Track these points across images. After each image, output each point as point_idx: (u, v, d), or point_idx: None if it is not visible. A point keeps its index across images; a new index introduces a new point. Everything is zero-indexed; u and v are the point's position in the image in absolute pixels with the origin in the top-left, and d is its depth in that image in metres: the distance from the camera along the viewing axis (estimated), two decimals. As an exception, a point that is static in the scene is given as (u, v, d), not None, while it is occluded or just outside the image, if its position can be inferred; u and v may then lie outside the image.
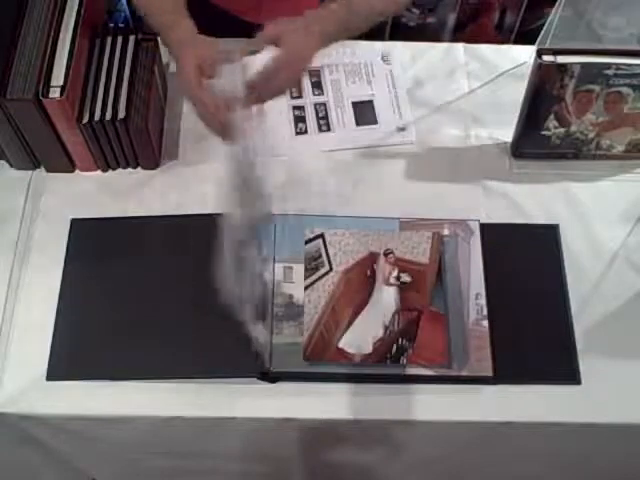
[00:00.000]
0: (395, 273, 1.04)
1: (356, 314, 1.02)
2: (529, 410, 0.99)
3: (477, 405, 0.99)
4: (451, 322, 1.01)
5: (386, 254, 1.06)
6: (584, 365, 1.01)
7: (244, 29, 1.17)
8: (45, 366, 1.00)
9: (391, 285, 1.04)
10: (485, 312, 1.02)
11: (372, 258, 1.06)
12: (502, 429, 1.00)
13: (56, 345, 1.01)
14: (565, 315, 1.05)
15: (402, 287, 1.04)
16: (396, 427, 1.02)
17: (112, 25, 1.16)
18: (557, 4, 1.19)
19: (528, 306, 1.05)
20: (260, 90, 0.90)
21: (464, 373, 0.98)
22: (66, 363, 1.00)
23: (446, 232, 1.07)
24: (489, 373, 1.00)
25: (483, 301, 1.03)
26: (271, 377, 0.99)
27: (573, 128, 1.12)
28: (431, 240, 1.06)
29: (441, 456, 1.12)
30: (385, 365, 0.99)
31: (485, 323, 1.02)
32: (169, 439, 1.06)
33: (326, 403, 0.99)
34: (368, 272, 1.05)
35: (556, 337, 1.04)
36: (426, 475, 1.20)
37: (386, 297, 1.03)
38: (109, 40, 1.12)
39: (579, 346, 1.03)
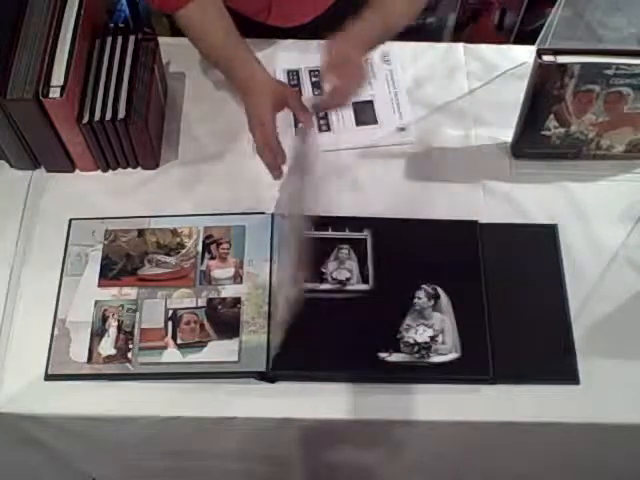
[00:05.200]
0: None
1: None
2: (528, 410, 0.99)
3: (476, 405, 0.99)
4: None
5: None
6: (583, 365, 1.01)
7: (254, 30, 1.18)
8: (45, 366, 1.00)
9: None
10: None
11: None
12: (502, 429, 1.00)
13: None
14: (564, 315, 1.05)
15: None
16: (396, 427, 1.02)
17: (112, 25, 1.16)
18: (557, 4, 1.19)
19: (527, 306, 1.06)
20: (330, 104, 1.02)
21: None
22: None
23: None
24: (488, 373, 1.00)
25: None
26: (270, 377, 0.99)
27: (573, 128, 1.13)
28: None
29: (441, 456, 1.12)
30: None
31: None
32: (169, 439, 1.06)
33: (326, 403, 0.99)
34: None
35: (555, 337, 1.04)
36: (426, 475, 1.20)
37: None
38: (109, 40, 1.12)
39: (578, 346, 1.03)
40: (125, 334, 1.02)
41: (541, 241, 1.11)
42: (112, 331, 1.03)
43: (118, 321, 1.03)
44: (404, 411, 0.99)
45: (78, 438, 1.05)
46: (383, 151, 1.19)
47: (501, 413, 0.99)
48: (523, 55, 1.27)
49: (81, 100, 1.07)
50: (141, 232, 1.09)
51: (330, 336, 1.02)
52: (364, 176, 1.17)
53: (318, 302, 1.04)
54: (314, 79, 1.27)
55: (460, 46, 1.32)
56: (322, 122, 1.22)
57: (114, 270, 1.06)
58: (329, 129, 1.22)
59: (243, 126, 1.21)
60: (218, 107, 1.23)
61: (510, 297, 1.06)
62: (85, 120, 1.06)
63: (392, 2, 1.04)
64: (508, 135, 1.18)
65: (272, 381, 0.99)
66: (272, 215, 1.09)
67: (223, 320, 1.03)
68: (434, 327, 1.02)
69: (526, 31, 2.00)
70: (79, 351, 1.01)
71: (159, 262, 1.07)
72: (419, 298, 1.04)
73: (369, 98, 1.25)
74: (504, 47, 1.33)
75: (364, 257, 1.07)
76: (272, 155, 0.99)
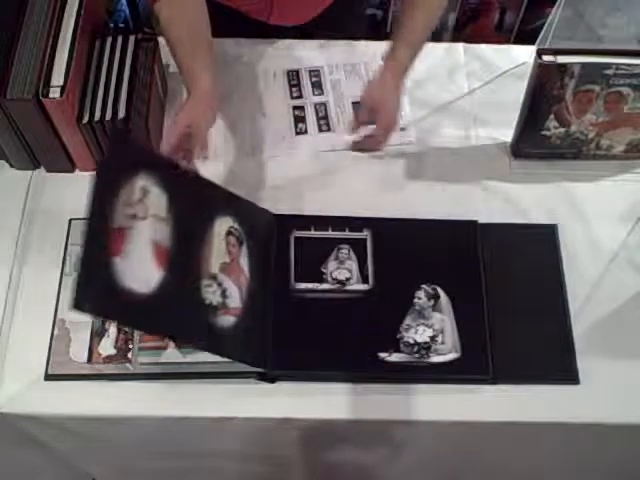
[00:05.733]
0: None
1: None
2: (528, 410, 0.99)
3: (476, 405, 0.99)
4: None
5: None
6: (583, 365, 1.01)
7: (255, 29, 1.18)
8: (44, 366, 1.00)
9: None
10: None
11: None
12: (501, 429, 1.00)
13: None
14: (564, 315, 1.05)
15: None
16: (396, 427, 1.02)
17: (112, 25, 1.16)
18: (557, 4, 1.19)
19: (527, 306, 1.05)
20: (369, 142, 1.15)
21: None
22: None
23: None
24: (488, 373, 1.00)
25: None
26: (270, 377, 0.99)
27: (573, 128, 1.12)
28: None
29: (441, 456, 1.12)
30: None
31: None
32: (169, 439, 1.06)
33: (326, 403, 0.99)
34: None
35: (555, 337, 1.04)
36: (426, 475, 1.20)
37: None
38: (109, 40, 1.12)
39: (578, 346, 1.03)
40: (125, 334, 1.02)
41: (541, 241, 1.11)
42: (112, 331, 1.03)
43: (118, 321, 1.03)
44: (404, 411, 0.99)
45: (78, 438, 1.05)
46: (383, 151, 1.19)
47: (501, 413, 0.99)
48: (523, 55, 1.27)
49: (81, 100, 1.07)
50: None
51: (330, 336, 1.02)
52: (364, 176, 1.17)
53: (318, 302, 1.04)
54: (314, 79, 1.27)
55: (460, 46, 1.32)
56: (322, 122, 1.22)
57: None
58: (329, 129, 1.22)
59: (243, 126, 1.22)
60: (218, 107, 1.22)
61: (510, 297, 1.06)
62: (85, 120, 1.06)
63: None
64: (508, 135, 1.18)
65: (272, 381, 0.99)
66: (273, 215, 1.09)
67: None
68: (434, 327, 1.02)
69: (526, 31, 2.00)
70: (79, 351, 1.01)
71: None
72: (419, 298, 1.04)
73: (369, 98, 1.25)
74: (504, 47, 1.33)
75: (364, 257, 1.07)
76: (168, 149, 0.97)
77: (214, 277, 0.96)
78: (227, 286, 0.98)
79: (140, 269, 0.89)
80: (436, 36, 1.12)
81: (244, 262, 1.02)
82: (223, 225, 1.01)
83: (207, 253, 0.97)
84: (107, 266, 0.86)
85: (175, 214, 0.94)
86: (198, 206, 0.98)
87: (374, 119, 1.12)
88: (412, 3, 1.10)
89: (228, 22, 1.15)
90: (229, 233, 1.01)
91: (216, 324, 0.94)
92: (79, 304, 0.80)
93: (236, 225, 1.02)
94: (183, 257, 0.94)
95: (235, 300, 0.98)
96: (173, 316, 0.90)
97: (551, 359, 1.02)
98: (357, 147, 1.18)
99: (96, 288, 0.84)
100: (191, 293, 0.93)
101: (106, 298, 0.85)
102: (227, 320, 0.96)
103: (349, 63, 1.28)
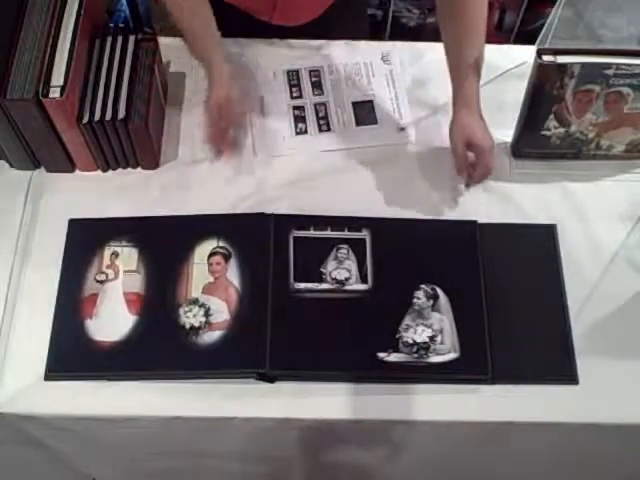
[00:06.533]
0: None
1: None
2: (527, 410, 0.99)
3: (475, 405, 0.99)
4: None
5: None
6: (582, 365, 1.02)
7: (256, 28, 1.18)
8: (44, 366, 1.00)
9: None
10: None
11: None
12: (501, 429, 1.00)
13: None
14: (563, 315, 1.05)
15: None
16: (395, 427, 1.02)
17: (112, 25, 1.16)
18: (557, 4, 1.20)
19: (526, 306, 1.05)
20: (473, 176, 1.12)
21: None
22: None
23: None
24: (487, 373, 1.00)
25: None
26: (270, 377, 0.99)
27: (573, 128, 1.12)
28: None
29: (441, 456, 1.12)
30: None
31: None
32: (169, 439, 1.06)
33: (325, 403, 0.99)
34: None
35: (554, 337, 1.04)
36: (426, 475, 1.20)
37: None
38: (109, 40, 1.12)
39: (577, 346, 1.03)
40: (125, 334, 1.04)
41: (541, 241, 1.11)
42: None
43: (118, 321, 1.05)
44: (403, 411, 0.99)
45: (78, 438, 1.05)
46: (383, 151, 1.19)
47: (500, 413, 0.99)
48: (523, 55, 1.26)
49: (81, 100, 1.07)
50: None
51: (329, 336, 1.02)
52: (364, 176, 1.17)
53: (317, 302, 1.04)
54: (314, 79, 1.27)
55: (460, 46, 1.31)
56: (322, 122, 1.22)
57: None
58: (329, 129, 1.22)
59: (243, 126, 1.22)
60: (218, 107, 1.23)
61: (509, 297, 1.06)
62: (85, 120, 1.06)
63: (473, 12, 1.07)
64: (508, 135, 1.18)
65: (271, 381, 0.99)
66: (272, 215, 1.09)
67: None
68: (433, 327, 1.02)
69: (526, 31, 1.99)
70: (79, 351, 1.03)
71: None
72: (418, 298, 1.04)
73: (369, 98, 1.25)
74: (504, 47, 1.32)
75: (363, 257, 1.07)
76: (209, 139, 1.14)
77: (195, 301, 1.03)
78: (211, 304, 1.03)
79: (112, 322, 1.02)
80: (436, 36, 1.12)
81: (233, 274, 1.05)
82: (205, 249, 1.07)
83: (185, 283, 1.04)
84: (78, 328, 1.01)
85: (147, 262, 1.06)
86: (173, 244, 1.07)
87: (473, 157, 1.10)
88: (458, 25, 1.08)
89: (229, 20, 1.15)
90: (213, 254, 1.06)
91: (198, 343, 1.00)
92: (52, 375, 0.98)
93: (221, 243, 1.07)
94: (157, 296, 1.03)
95: (222, 314, 1.02)
96: (148, 352, 1.00)
97: (550, 359, 1.02)
98: (471, 183, 1.14)
99: (68, 352, 1.00)
100: (168, 324, 1.01)
101: (78, 355, 1.00)
102: (211, 335, 1.01)
103: (349, 63, 1.28)
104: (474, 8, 1.07)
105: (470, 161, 1.11)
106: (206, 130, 1.13)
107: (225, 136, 1.15)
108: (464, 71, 1.07)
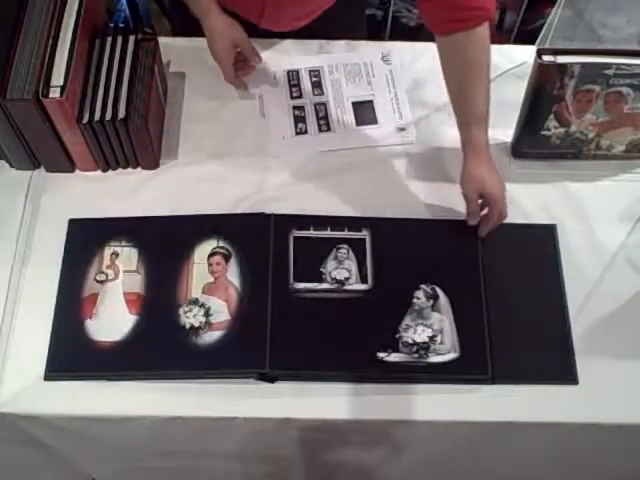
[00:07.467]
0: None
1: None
2: (527, 410, 0.99)
3: (475, 405, 0.99)
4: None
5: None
6: (582, 365, 1.02)
7: (247, 30, 1.18)
8: (44, 366, 1.00)
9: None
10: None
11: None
12: (500, 429, 1.00)
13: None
14: (563, 315, 1.05)
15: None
16: (395, 427, 1.02)
17: (112, 25, 1.16)
18: (557, 4, 1.20)
19: (526, 306, 1.06)
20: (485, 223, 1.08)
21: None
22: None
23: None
24: (487, 373, 1.00)
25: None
26: (270, 377, 0.99)
27: (573, 128, 1.12)
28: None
29: (441, 456, 1.12)
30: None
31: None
32: (169, 439, 1.06)
33: (325, 403, 0.99)
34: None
35: (554, 337, 1.04)
36: (426, 475, 1.20)
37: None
38: (109, 40, 1.12)
39: (576, 346, 1.03)
40: (125, 334, 1.04)
41: (540, 241, 1.11)
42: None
43: (118, 321, 1.05)
44: (403, 411, 0.99)
45: (78, 438, 1.05)
46: (383, 151, 1.20)
47: (500, 413, 0.99)
48: (523, 55, 1.26)
49: (81, 100, 1.07)
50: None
51: (329, 336, 1.02)
52: (364, 176, 1.17)
53: (317, 302, 1.04)
54: (314, 79, 1.27)
55: (460, 46, 1.31)
56: (322, 122, 1.22)
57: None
58: (329, 129, 1.22)
59: (243, 126, 1.22)
60: (218, 107, 1.23)
61: (509, 297, 1.06)
62: (85, 120, 1.06)
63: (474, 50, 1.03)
64: (508, 135, 1.18)
65: (271, 381, 0.99)
66: (272, 215, 1.09)
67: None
68: (433, 327, 1.02)
69: (526, 31, 1.99)
70: (79, 351, 1.03)
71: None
72: (418, 298, 1.04)
73: (369, 98, 1.25)
74: (504, 47, 1.32)
75: (363, 257, 1.07)
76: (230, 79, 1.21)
77: (195, 301, 1.03)
78: (211, 304, 1.03)
79: (112, 322, 1.02)
80: (436, 36, 1.12)
81: (233, 275, 1.05)
82: (205, 249, 1.07)
83: (185, 283, 1.04)
84: (78, 328, 1.01)
85: (147, 262, 1.06)
86: (173, 244, 1.07)
87: (484, 202, 1.07)
88: (461, 72, 1.04)
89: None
90: (213, 254, 1.06)
91: (198, 343, 1.00)
92: (52, 375, 0.98)
93: (221, 243, 1.07)
94: (157, 296, 1.04)
95: (222, 314, 1.02)
96: (148, 352, 1.00)
97: (550, 359, 1.02)
98: (484, 229, 1.09)
99: (68, 352, 1.00)
100: (168, 324, 1.01)
101: (78, 356, 1.00)
102: (212, 335, 1.01)
103: (349, 63, 1.28)
104: (475, 46, 1.03)
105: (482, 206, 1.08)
106: (223, 74, 1.19)
107: (240, 70, 1.21)
108: (470, 118, 1.04)
